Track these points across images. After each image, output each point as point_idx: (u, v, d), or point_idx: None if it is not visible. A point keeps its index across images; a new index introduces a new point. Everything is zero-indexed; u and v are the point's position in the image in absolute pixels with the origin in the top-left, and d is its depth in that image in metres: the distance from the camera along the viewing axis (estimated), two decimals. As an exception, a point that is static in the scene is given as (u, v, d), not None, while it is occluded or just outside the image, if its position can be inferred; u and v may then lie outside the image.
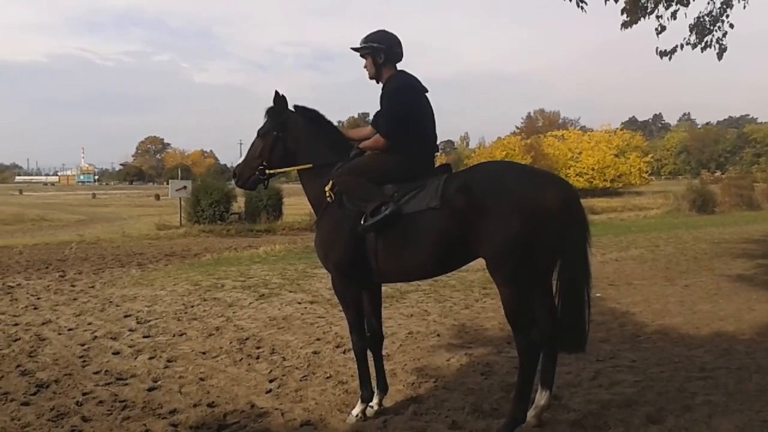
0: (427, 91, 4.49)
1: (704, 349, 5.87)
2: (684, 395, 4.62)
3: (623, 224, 22.93)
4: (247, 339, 6.64)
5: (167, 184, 33.03)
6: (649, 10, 10.64)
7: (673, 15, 10.64)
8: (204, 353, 6.19)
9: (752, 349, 5.83)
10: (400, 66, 4.51)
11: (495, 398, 4.67)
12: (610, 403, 4.49)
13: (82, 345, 6.53)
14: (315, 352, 6.10)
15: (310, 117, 4.68)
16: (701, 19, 10.99)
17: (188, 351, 6.27)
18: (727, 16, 10.80)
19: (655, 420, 4.17)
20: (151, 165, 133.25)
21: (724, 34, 10.90)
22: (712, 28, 10.95)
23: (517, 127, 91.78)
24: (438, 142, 4.64)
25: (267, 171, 4.71)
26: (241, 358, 5.97)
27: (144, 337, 6.87)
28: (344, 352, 5.97)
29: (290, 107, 4.70)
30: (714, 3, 10.80)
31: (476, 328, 6.96)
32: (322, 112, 4.73)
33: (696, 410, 4.30)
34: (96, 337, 6.87)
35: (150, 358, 6.04)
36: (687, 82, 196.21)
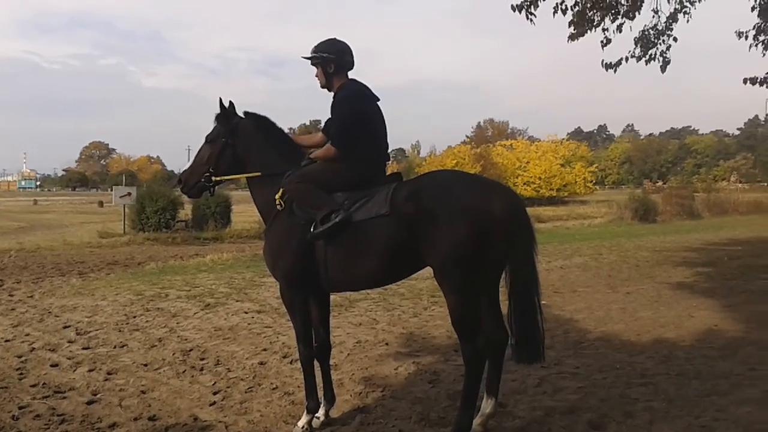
0: (378, 100, 4.49)
1: (645, 356, 6.01)
2: (626, 401, 4.72)
3: (568, 232, 23.40)
4: (191, 350, 6.50)
5: (111, 190, 32.17)
6: (595, 23, 10.91)
7: (619, 28, 10.94)
8: (146, 365, 6.02)
9: (692, 355, 5.99)
10: (352, 74, 4.51)
11: (442, 407, 4.68)
12: (554, 410, 4.55)
13: (19, 357, 6.30)
14: (261, 363, 6.01)
15: (260, 124, 4.64)
16: (646, 33, 11.32)
17: (129, 363, 6.10)
18: (672, 30, 11.16)
19: (598, 426, 4.24)
20: (95, 171, 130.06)
21: (668, 47, 11.26)
22: (656, 41, 11.29)
23: (467, 137, 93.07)
24: (389, 151, 4.65)
25: (214, 178, 4.64)
26: (185, 370, 5.84)
27: (84, 348, 6.66)
28: (291, 363, 5.90)
29: (240, 113, 4.65)
30: (659, 17, 11.15)
31: (424, 336, 6.97)
32: (273, 118, 4.70)
33: (637, 416, 4.39)
34: (34, 348, 6.64)
35: (89, 371, 5.86)
36: (631, 93, 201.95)
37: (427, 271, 4.22)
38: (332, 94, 4.46)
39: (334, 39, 4.49)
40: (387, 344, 6.65)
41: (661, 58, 11.31)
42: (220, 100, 4.59)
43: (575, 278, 11.18)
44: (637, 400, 4.74)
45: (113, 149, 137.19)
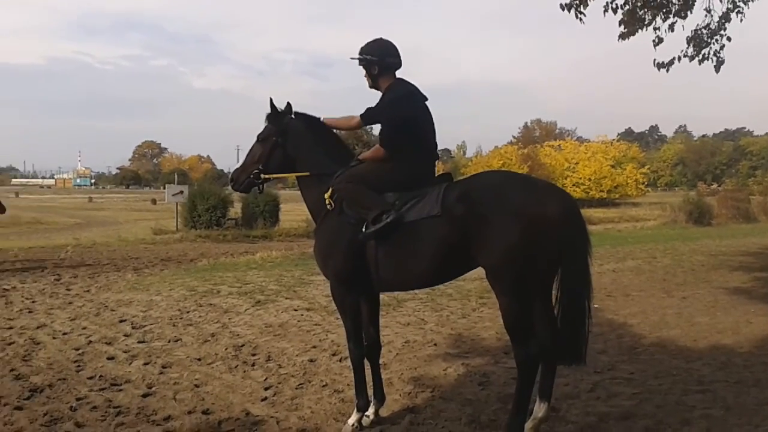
0: (426, 99, 4.48)
1: (702, 362, 5.85)
2: (682, 408, 4.60)
3: (620, 235, 22.94)
4: (242, 346, 6.60)
5: (164, 188, 32.93)
6: (646, 22, 10.71)
7: (671, 27, 10.71)
8: (199, 359, 6.14)
9: (750, 362, 5.81)
10: (400, 73, 4.50)
11: (492, 409, 4.64)
12: (608, 416, 4.46)
13: (77, 349, 6.48)
14: (311, 360, 6.06)
15: (310, 124, 4.68)
16: (699, 32, 11.05)
17: (183, 357, 6.23)
18: (725, 29, 10.86)
19: (654, 433, 4.15)
20: (147, 169, 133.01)
21: (722, 47, 10.97)
22: (709, 41, 11.01)
23: (514, 137, 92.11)
24: (437, 150, 4.63)
25: (263, 176, 4.71)
26: (237, 365, 5.93)
27: (139, 342, 6.83)
28: (340, 361, 5.94)
29: (291, 114, 4.70)
30: (711, 16, 10.87)
31: (473, 337, 6.93)
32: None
33: (694, 424, 4.28)
34: (91, 341, 6.82)
35: (145, 364, 6.00)
36: (683, 94, 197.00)
37: (476, 272, 4.20)
38: (380, 94, 4.47)
39: (380, 39, 4.48)
40: (436, 345, 6.63)
41: (714, 58, 11.03)
42: (271, 100, 4.66)
43: (628, 282, 10.95)
44: (695, 407, 4.62)
45: (165, 148, 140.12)
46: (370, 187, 4.26)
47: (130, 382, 5.46)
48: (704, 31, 11.03)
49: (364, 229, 4.14)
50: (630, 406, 4.66)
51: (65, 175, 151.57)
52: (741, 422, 4.30)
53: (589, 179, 58.36)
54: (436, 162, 4.60)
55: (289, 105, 4.69)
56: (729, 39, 10.93)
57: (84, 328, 7.45)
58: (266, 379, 5.51)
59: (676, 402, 4.75)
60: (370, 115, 4.40)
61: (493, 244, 3.78)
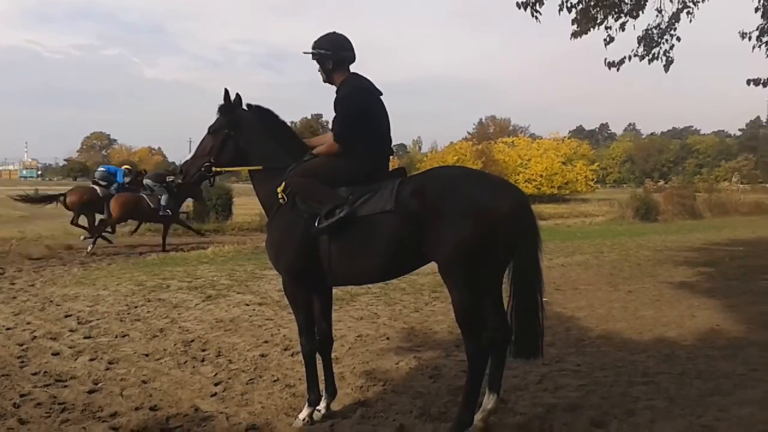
0: (381, 94, 4.48)
1: (647, 354, 6.01)
2: (627, 400, 4.71)
3: (569, 230, 23.36)
4: (192, 341, 6.51)
5: (113, 181, 32.13)
6: (598, 21, 10.91)
7: (622, 27, 10.94)
8: (147, 355, 6.03)
9: (694, 354, 5.99)
10: (354, 67, 4.49)
11: (443, 402, 4.68)
12: (556, 407, 4.55)
13: (21, 345, 6.31)
14: (262, 355, 6.01)
15: (263, 116, 4.63)
16: (649, 32, 11.31)
17: (131, 353, 6.11)
18: (675, 29, 11.15)
19: (599, 424, 4.24)
20: (96, 161, 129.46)
21: (671, 47, 11.26)
22: (659, 40, 11.28)
23: (468, 133, 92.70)
24: (392, 145, 4.64)
25: (214, 168, 4.65)
26: (186, 361, 5.84)
27: (85, 337, 6.67)
28: (292, 355, 5.91)
29: (244, 106, 4.64)
30: (662, 16, 11.14)
31: (425, 331, 6.97)
32: (276, 112, 4.68)
33: (639, 414, 4.39)
34: (35, 337, 6.65)
35: (91, 360, 5.87)
36: (633, 92, 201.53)
37: (429, 266, 4.23)
38: (335, 88, 4.45)
39: (333, 33, 4.46)
40: (388, 339, 6.66)
41: (664, 58, 11.32)
42: (226, 91, 4.59)
43: (577, 276, 11.18)
44: (639, 398, 4.74)
45: (114, 140, 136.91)
46: (323, 181, 4.25)
47: (75, 378, 5.35)
48: (655, 31, 11.30)
49: (317, 224, 4.13)
50: (576, 397, 4.76)
51: (11, 167, 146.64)
52: (684, 413, 4.42)
53: (541, 175, 59.27)
54: (391, 157, 4.61)
55: (238, 96, 4.62)
56: (678, 39, 11.23)
57: (28, 324, 7.25)
58: (216, 374, 5.45)
59: (621, 393, 4.86)
60: (336, 131, 4.35)
61: (445, 239, 3.82)
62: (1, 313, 7.81)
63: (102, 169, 17.42)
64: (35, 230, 20.89)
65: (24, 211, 33.05)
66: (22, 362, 5.76)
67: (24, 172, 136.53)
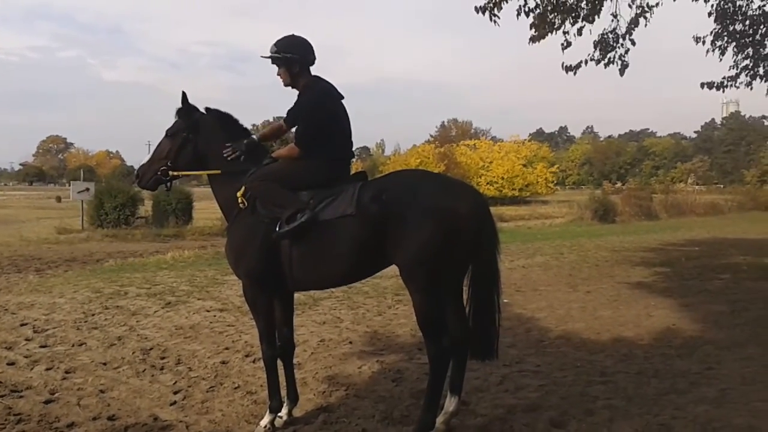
0: (342, 98, 4.48)
1: (605, 354, 6.11)
2: (586, 399, 4.79)
3: (530, 232, 23.69)
4: (151, 349, 6.39)
5: (69, 185, 31.55)
6: (556, 26, 11.07)
7: (579, 31, 11.11)
8: (105, 364, 5.90)
9: (650, 354, 6.11)
10: (314, 69, 4.47)
11: (405, 405, 4.69)
12: (516, 408, 4.60)
13: (-27, 356, 6.12)
14: (223, 362, 5.94)
15: (222, 120, 4.58)
16: (605, 36, 11.53)
17: (88, 362, 5.97)
18: (631, 34, 11.37)
19: (559, 424, 4.30)
20: (52, 165, 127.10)
21: (627, 51, 11.49)
22: (615, 45, 11.50)
23: (431, 136, 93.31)
24: (354, 149, 4.64)
25: (171, 173, 4.59)
26: (145, 369, 5.74)
27: (41, 346, 6.50)
28: (254, 362, 5.85)
29: (202, 109, 4.59)
30: (618, 21, 11.36)
31: (388, 335, 6.98)
32: (236, 115, 4.65)
33: (597, 414, 4.46)
34: (-12, 347, 6.45)
35: (47, 369, 5.72)
36: (591, 96, 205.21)
37: (392, 269, 4.23)
38: (296, 92, 4.43)
39: (294, 36, 4.43)
40: (351, 343, 6.64)
41: (619, 62, 11.55)
42: (184, 94, 4.54)
43: (537, 277, 11.32)
44: (597, 398, 4.81)
45: (71, 143, 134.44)
46: (284, 185, 4.23)
47: (31, 388, 5.21)
48: (610, 36, 11.52)
49: (277, 228, 4.10)
50: (536, 398, 4.82)
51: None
52: (642, 412, 4.51)
53: (502, 178, 60.00)
54: (353, 160, 4.61)
55: (185, 97, 4.57)
56: (633, 43, 11.47)
57: (-19, 333, 7.03)
58: (176, 382, 5.37)
59: (580, 393, 4.93)
60: (291, 117, 4.36)
61: (406, 242, 3.83)
62: (-48, 323, 7.56)
63: None
64: (-12, 237, 20.33)
65: (-24, 218, 32.17)
66: (-25, 373, 5.59)
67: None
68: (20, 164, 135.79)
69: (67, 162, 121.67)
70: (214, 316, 7.94)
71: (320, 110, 4.28)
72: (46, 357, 6.10)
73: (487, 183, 58.53)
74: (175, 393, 5.10)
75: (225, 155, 4.43)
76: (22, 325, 7.47)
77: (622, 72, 11.60)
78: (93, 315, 8.01)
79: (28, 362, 5.94)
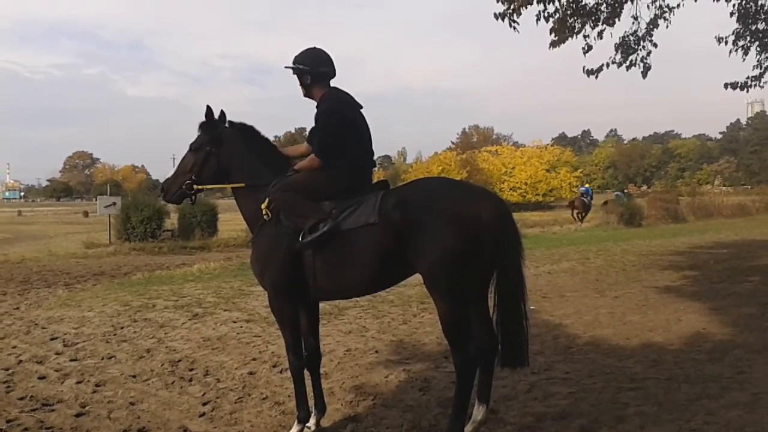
0: (361, 108, 4.50)
1: (634, 360, 6.03)
2: (616, 406, 4.73)
3: (555, 237, 23.51)
4: (179, 361, 6.45)
5: (96, 200, 32.02)
6: (576, 30, 11.02)
7: (599, 35, 11.05)
8: (134, 376, 5.97)
9: (681, 359, 6.01)
10: (335, 81, 4.50)
11: (433, 414, 4.67)
12: (545, 416, 4.55)
13: (6, 369, 6.22)
14: (251, 373, 5.97)
15: (244, 133, 4.63)
16: (626, 39, 11.45)
17: (118, 374, 6.04)
18: (652, 36, 11.28)
19: (590, 431, 4.25)
20: (79, 181, 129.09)
21: (648, 53, 11.40)
22: (636, 47, 11.42)
23: (452, 142, 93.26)
24: (375, 158, 4.65)
25: (196, 186, 4.63)
26: (173, 381, 5.79)
27: (71, 360, 6.59)
28: (281, 372, 5.87)
29: (226, 122, 4.64)
30: (638, 23, 11.28)
31: (414, 343, 6.96)
32: (258, 127, 4.69)
33: (628, 421, 4.40)
34: (21, 361, 6.56)
35: (77, 383, 5.79)
36: (614, 99, 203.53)
37: (416, 278, 4.22)
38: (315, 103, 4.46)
39: (313, 49, 4.47)
40: (377, 352, 6.64)
41: (641, 64, 11.46)
42: (208, 107, 4.58)
43: (563, 283, 11.22)
44: (628, 404, 4.75)
45: (97, 159, 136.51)
46: (306, 196, 4.25)
47: (62, 401, 5.27)
48: (631, 38, 11.44)
49: (301, 239, 4.12)
50: (566, 405, 4.77)
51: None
52: (673, 418, 4.44)
53: (526, 183, 59.70)
54: (374, 169, 4.62)
55: (222, 113, 4.63)
56: (655, 45, 11.37)
57: (14, 347, 7.15)
58: (204, 394, 5.40)
59: (610, 400, 4.87)
60: (315, 140, 4.38)
61: (428, 250, 3.82)
62: (-15, 337, 7.70)
63: None
64: (19, 252, 20.71)
65: (7, 234, 32.80)
66: (8, 387, 5.67)
67: (7, 193, 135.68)
68: (48, 180, 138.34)
69: (94, 177, 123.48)
70: (241, 327, 7.99)
71: (337, 120, 4.30)
72: (76, 370, 6.19)
73: (511, 189, 58.28)
74: (204, 404, 5.13)
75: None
76: (52, 339, 7.57)
77: (644, 74, 11.52)
78: (122, 328, 8.10)
79: (58, 376, 6.02)
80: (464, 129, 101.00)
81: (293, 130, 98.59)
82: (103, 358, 6.63)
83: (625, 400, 4.84)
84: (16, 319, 8.86)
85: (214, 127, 4.59)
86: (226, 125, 4.64)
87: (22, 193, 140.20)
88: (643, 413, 4.54)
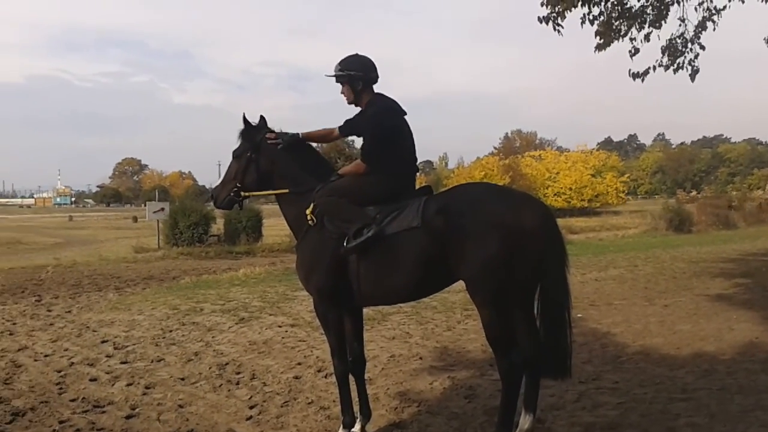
0: (405, 114, 4.50)
1: (686, 370, 5.89)
2: (667, 417, 4.62)
3: (602, 244, 23.09)
4: (226, 364, 6.54)
5: (145, 206, 32.77)
6: (622, 33, 10.83)
7: (646, 37, 10.84)
8: (183, 379, 6.08)
9: (733, 369, 5.85)
10: (377, 87, 4.52)
11: (479, 422, 4.63)
12: (594, 426, 4.47)
13: (59, 372, 6.40)
14: (296, 377, 6.02)
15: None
16: (673, 42, 11.20)
17: (167, 377, 6.16)
18: (699, 38, 11.02)
19: (640, 442, 4.17)
20: (128, 187, 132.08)
21: (696, 56, 11.13)
22: (684, 50, 11.17)
23: (495, 147, 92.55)
24: (417, 163, 4.65)
25: (242, 193, 4.68)
26: (221, 384, 5.87)
27: (122, 363, 6.75)
28: (326, 377, 5.90)
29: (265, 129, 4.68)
30: (686, 26, 11.03)
31: (458, 350, 6.92)
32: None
33: (680, 432, 4.30)
34: (73, 363, 6.74)
35: (128, 385, 5.93)
36: (661, 102, 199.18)
37: (460, 284, 4.20)
38: (359, 109, 4.48)
39: (358, 55, 4.49)
40: (421, 358, 6.62)
41: (689, 67, 11.18)
42: (244, 116, 4.65)
43: (611, 291, 11.00)
44: (679, 415, 4.64)
45: (145, 165, 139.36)
46: (351, 201, 4.26)
47: (113, 403, 5.40)
48: (678, 41, 11.19)
49: (345, 244, 4.14)
50: (615, 415, 4.68)
51: (45, 194, 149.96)
52: (725, 429, 4.33)
53: (570, 188, 58.77)
54: (417, 175, 4.62)
55: (263, 119, 4.68)
56: (703, 48, 11.10)
57: (66, 350, 7.35)
58: (251, 397, 5.47)
59: (661, 411, 4.77)
60: (348, 127, 4.42)
61: (471, 257, 3.80)
62: (39, 339, 7.95)
63: None
64: (70, 257, 21.30)
65: (59, 238, 33.79)
66: (61, 389, 5.84)
67: (58, 199, 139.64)
68: (98, 186, 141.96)
69: (142, 183, 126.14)
70: (286, 331, 8.06)
71: (384, 125, 4.32)
72: (126, 373, 6.33)
73: (555, 194, 57.43)
74: (251, 408, 5.19)
75: (268, 139, 4.52)
76: (103, 342, 7.77)
77: (692, 77, 11.24)
78: (170, 331, 8.27)
79: (109, 378, 6.17)
80: (506, 134, 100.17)
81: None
82: (152, 361, 6.77)
83: (676, 411, 4.73)
84: (68, 322, 9.12)
85: (253, 134, 4.64)
86: (268, 131, 4.67)
87: (73, 199, 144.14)
88: (695, 424, 4.43)
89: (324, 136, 4.74)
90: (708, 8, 10.80)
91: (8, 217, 69.35)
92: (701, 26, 10.90)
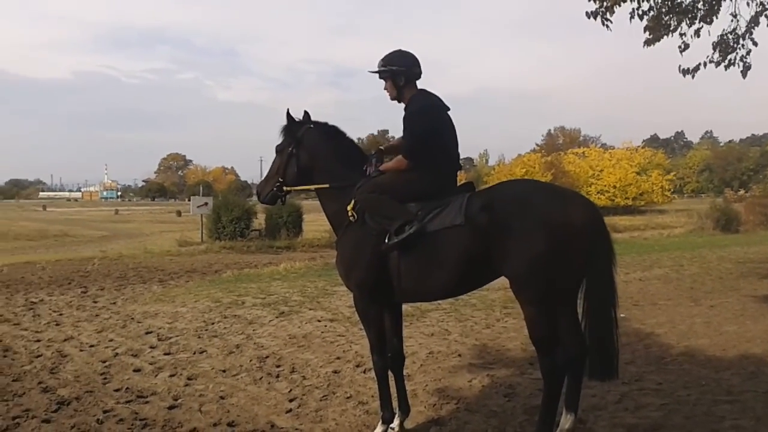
0: (448, 110, 4.48)
1: (731, 372, 5.74)
2: (711, 419, 4.52)
3: (646, 243, 22.64)
4: (267, 357, 6.62)
5: (189, 200, 33.36)
6: (672, 28, 10.58)
7: (697, 33, 10.57)
8: (224, 371, 6.17)
9: (781, 372, 5.68)
10: (420, 84, 4.50)
11: (518, 421, 4.59)
12: (637, 428, 4.40)
13: (104, 362, 6.55)
14: (335, 372, 6.05)
15: (326, 133, 4.66)
16: (725, 37, 10.90)
17: (209, 369, 6.26)
18: (752, 34, 10.71)
19: (684, 445, 4.08)
20: (173, 181, 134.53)
21: (748, 52, 10.80)
22: (735, 46, 10.85)
23: (537, 145, 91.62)
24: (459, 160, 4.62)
25: (285, 188, 4.71)
26: (261, 377, 5.95)
27: (165, 354, 6.88)
28: (365, 372, 5.92)
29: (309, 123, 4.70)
30: (738, 21, 10.72)
31: (498, 348, 6.87)
32: (342, 128, 4.72)
33: (725, 435, 4.20)
34: (117, 353, 6.90)
35: (171, 376, 6.05)
36: (709, 99, 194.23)
37: (499, 281, 4.17)
38: (403, 105, 4.46)
39: (401, 51, 4.47)
40: (460, 355, 6.59)
41: (740, 63, 10.85)
42: (288, 111, 4.67)
43: (655, 290, 10.79)
44: (724, 418, 4.53)
45: (190, 160, 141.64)
46: (393, 197, 4.25)
47: (156, 394, 5.51)
48: (730, 36, 10.89)
49: (386, 240, 4.13)
50: (658, 417, 4.59)
51: (92, 188, 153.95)
52: (772, 433, 4.21)
53: (614, 186, 57.82)
54: (459, 171, 4.59)
55: (306, 114, 4.70)
56: (756, 44, 10.78)
57: (111, 341, 7.53)
58: (291, 390, 5.52)
59: (705, 413, 4.66)
60: (406, 147, 4.38)
61: (517, 254, 3.76)
62: (85, 330, 8.15)
63: None
64: (116, 249, 21.80)
65: (105, 231, 34.64)
66: (105, 379, 5.98)
67: (104, 193, 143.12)
68: (143, 181, 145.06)
69: (186, 178, 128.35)
70: (325, 326, 8.12)
71: (427, 122, 4.29)
72: (169, 364, 6.45)
73: (598, 192, 56.58)
74: (291, 401, 5.24)
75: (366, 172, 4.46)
76: (147, 333, 7.94)
77: (744, 74, 10.91)
78: (213, 324, 8.40)
79: (153, 369, 6.30)
80: (549, 131, 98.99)
81: (376, 132, 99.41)
82: (194, 353, 6.89)
83: (721, 414, 4.62)
84: (113, 314, 9.33)
85: (295, 129, 4.67)
86: (311, 126, 4.69)
87: (119, 193, 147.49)
88: (740, 427, 4.33)
89: (398, 165, 4.41)
90: (761, 3, 10.48)
91: (56, 210, 71.43)
92: (754, 21, 10.58)
